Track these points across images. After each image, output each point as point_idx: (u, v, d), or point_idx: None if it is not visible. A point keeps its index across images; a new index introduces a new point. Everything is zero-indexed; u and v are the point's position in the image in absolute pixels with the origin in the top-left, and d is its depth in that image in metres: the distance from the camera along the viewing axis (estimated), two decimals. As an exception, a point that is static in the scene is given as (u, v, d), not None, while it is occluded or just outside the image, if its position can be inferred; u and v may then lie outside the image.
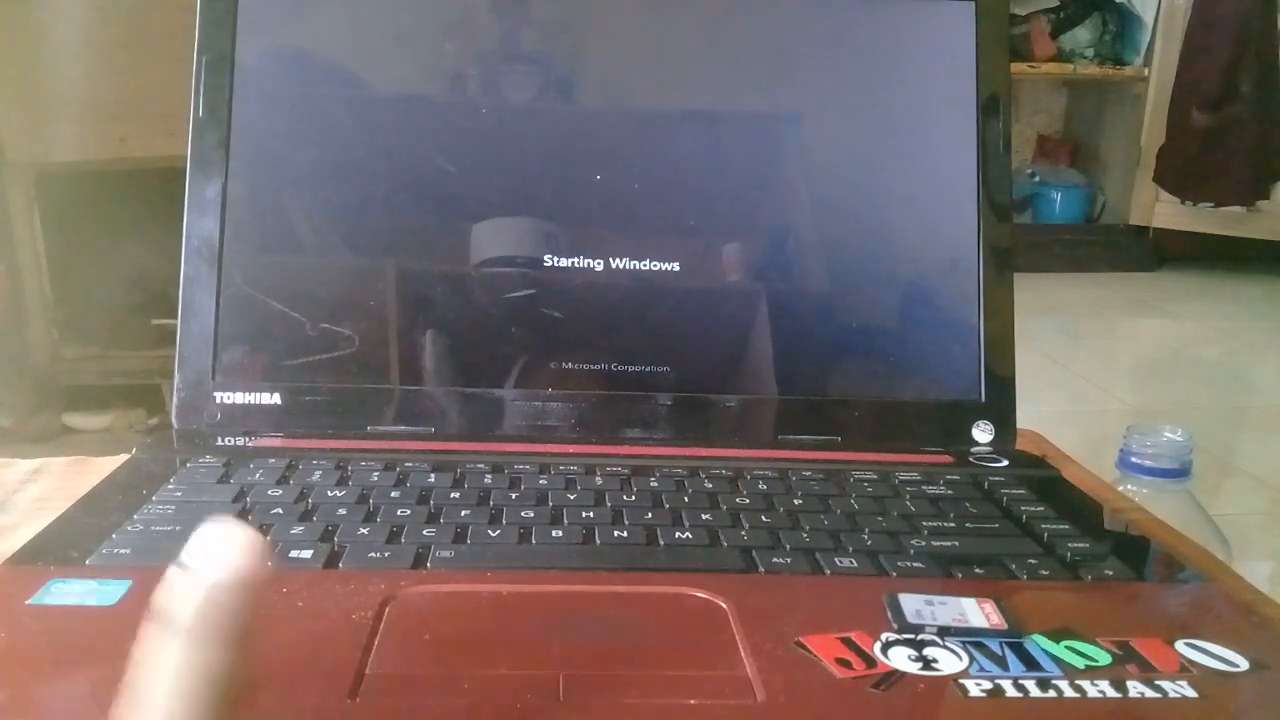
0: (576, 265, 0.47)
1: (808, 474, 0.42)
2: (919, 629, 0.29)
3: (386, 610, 0.29)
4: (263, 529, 0.35)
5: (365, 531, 0.35)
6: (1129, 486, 0.63)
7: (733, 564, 0.34)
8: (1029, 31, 2.61)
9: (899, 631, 0.29)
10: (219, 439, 0.44)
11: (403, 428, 0.45)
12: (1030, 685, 0.27)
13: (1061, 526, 0.38)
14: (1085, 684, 0.27)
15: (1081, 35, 2.67)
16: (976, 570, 0.34)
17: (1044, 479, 0.44)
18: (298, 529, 0.35)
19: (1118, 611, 0.32)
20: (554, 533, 0.35)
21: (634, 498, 0.39)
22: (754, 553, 0.34)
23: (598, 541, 0.35)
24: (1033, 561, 0.35)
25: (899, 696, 0.26)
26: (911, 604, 0.30)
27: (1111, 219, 2.81)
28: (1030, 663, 0.28)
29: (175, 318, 0.45)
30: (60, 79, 1.30)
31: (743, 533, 0.36)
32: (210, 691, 0.19)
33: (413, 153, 0.47)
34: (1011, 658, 0.28)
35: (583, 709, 0.25)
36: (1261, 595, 0.35)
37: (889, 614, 0.30)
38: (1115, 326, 2.30)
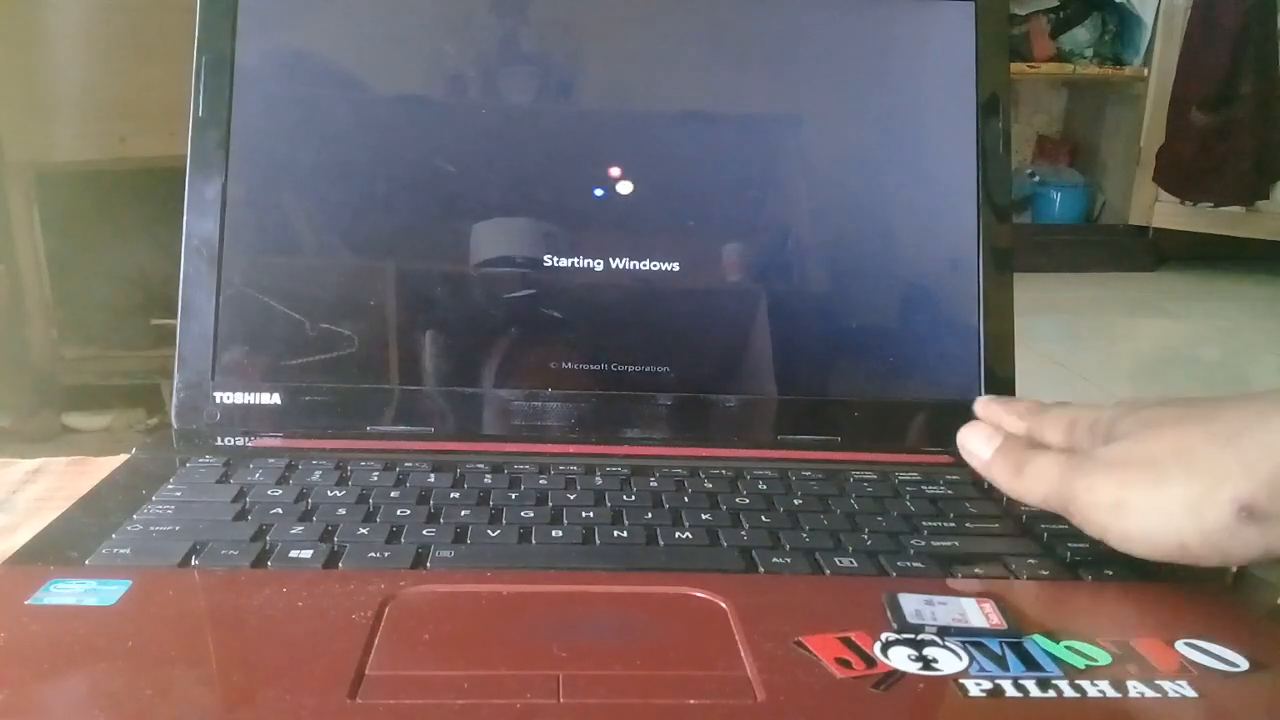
0: (576, 265, 0.47)
1: (807, 474, 0.42)
2: (919, 629, 0.29)
3: (386, 610, 0.29)
4: (263, 529, 0.35)
5: (365, 531, 0.35)
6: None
7: (733, 564, 0.34)
8: (1029, 31, 2.62)
9: (899, 631, 0.29)
10: (219, 439, 0.44)
11: (402, 428, 0.45)
12: (1030, 685, 0.27)
13: (1061, 526, 0.38)
14: (1085, 684, 0.27)
15: (1081, 35, 2.67)
16: (976, 570, 0.34)
17: (1044, 479, 0.44)
18: (298, 529, 0.35)
19: (1118, 611, 0.32)
20: (554, 533, 0.35)
21: (634, 498, 0.39)
22: (754, 553, 0.34)
23: (598, 541, 0.35)
24: (1033, 561, 0.35)
25: (899, 696, 0.26)
26: (911, 604, 0.30)
27: (1111, 219, 2.82)
28: (1030, 663, 0.28)
29: (175, 318, 0.45)
30: (60, 79, 1.30)
31: (743, 533, 0.36)
32: None
33: (412, 153, 0.47)
34: (1011, 658, 0.28)
35: (583, 709, 0.25)
36: (1261, 595, 0.35)
37: (889, 614, 0.30)
38: (1115, 326, 2.30)
